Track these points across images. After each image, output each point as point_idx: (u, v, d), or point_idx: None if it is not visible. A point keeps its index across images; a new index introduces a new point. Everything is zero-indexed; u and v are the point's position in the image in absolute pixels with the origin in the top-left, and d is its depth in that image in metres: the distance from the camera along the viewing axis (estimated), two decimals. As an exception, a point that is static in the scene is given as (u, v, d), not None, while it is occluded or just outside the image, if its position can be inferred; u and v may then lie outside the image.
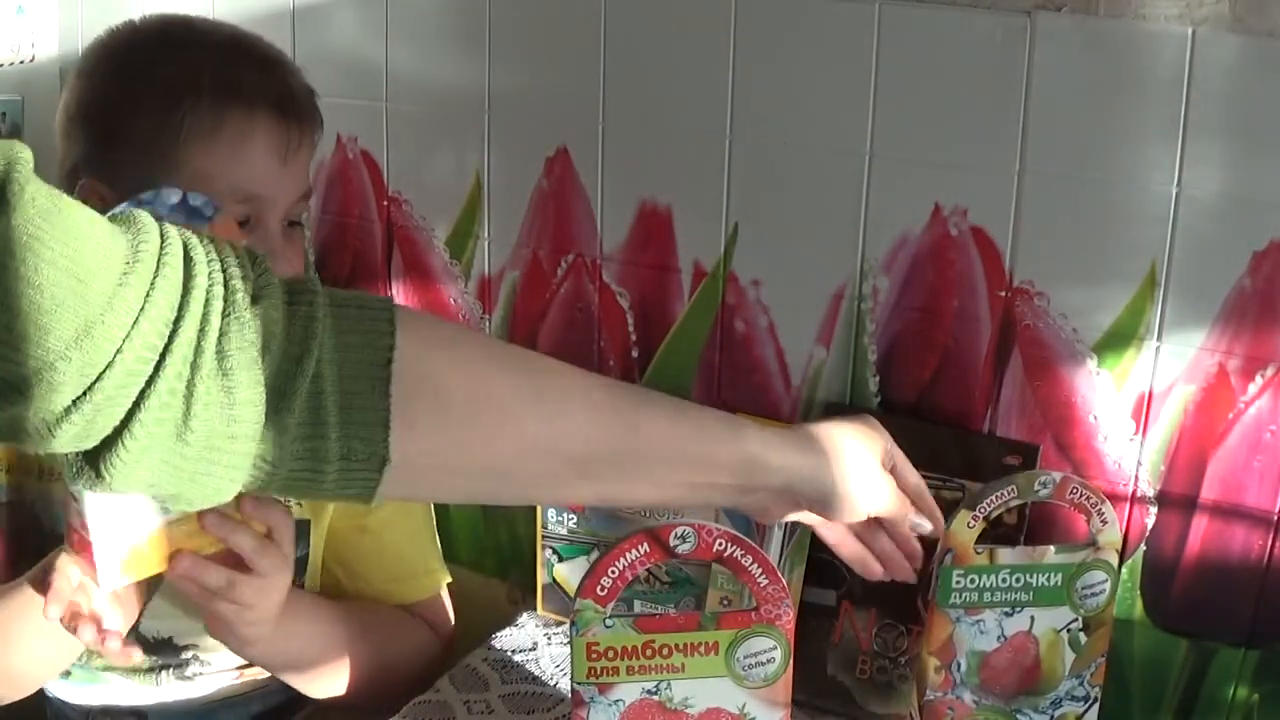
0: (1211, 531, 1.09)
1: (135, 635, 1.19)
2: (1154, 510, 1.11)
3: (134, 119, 1.09)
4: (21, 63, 1.53)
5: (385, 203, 1.41)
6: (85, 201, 1.09)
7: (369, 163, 1.41)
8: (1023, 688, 1.07)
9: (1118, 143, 1.06)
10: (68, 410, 0.63)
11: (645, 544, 0.90)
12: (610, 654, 0.92)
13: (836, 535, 0.98)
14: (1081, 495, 1.05)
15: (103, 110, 1.11)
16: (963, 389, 1.17)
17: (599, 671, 0.92)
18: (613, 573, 0.90)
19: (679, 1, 1.21)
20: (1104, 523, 1.06)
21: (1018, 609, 1.05)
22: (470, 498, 0.86)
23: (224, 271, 0.67)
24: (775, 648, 0.94)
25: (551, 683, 1.22)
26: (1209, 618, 1.11)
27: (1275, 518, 1.06)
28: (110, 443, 0.65)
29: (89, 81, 1.12)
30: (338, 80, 1.35)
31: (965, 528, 1.03)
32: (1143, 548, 1.12)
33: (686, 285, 1.27)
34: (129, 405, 0.64)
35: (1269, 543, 1.07)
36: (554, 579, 1.29)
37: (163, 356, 0.64)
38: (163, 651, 1.19)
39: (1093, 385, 1.11)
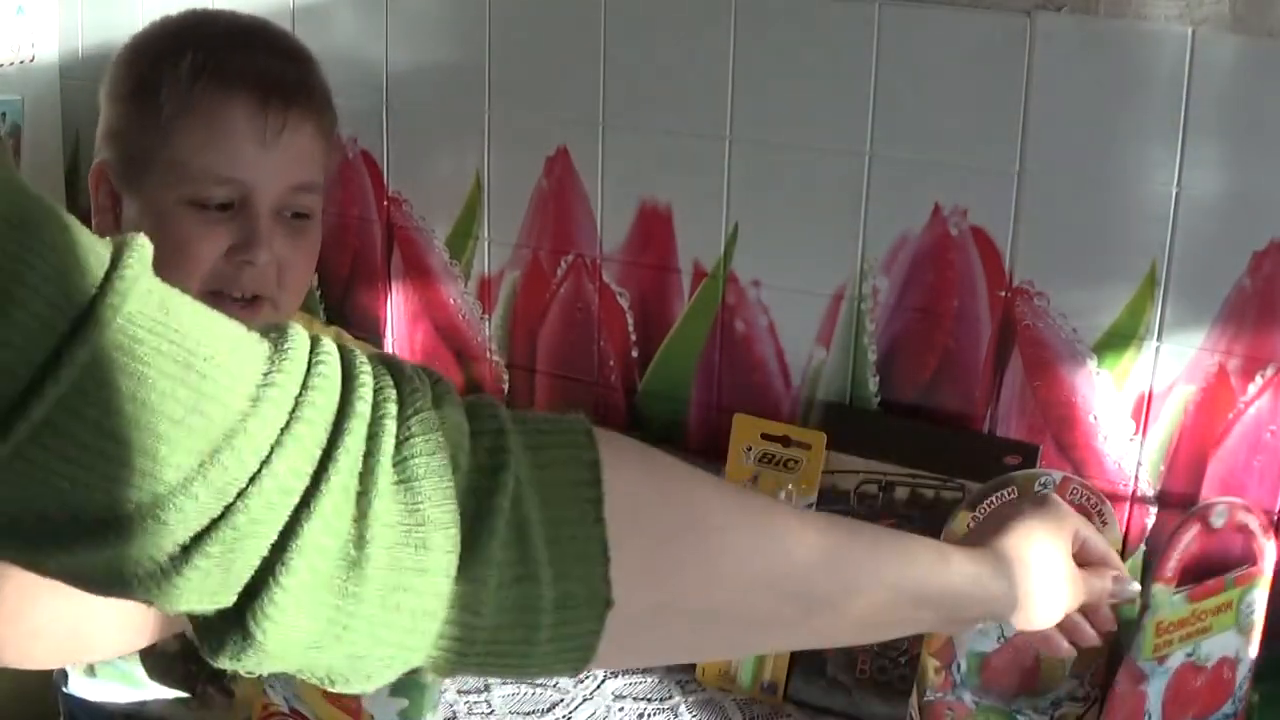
0: (1211, 531, 1.10)
1: (180, 637, 1.17)
2: (1154, 510, 1.11)
3: (131, 102, 1.12)
4: (21, 63, 1.53)
5: (385, 203, 1.41)
6: (97, 184, 1.14)
7: (369, 163, 1.41)
8: (1023, 688, 1.07)
9: (1118, 143, 1.06)
10: (190, 548, 0.49)
11: (1196, 526, 1.00)
12: (1170, 629, 1.00)
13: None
14: (1081, 495, 1.05)
15: (114, 93, 1.15)
16: (963, 389, 1.17)
17: (1160, 646, 1.00)
18: (1177, 557, 0.99)
19: (679, 1, 1.21)
20: (1104, 523, 1.06)
21: (1018, 609, 1.06)
22: (679, 650, 0.70)
23: (392, 374, 0.55)
24: (1262, 596, 1.03)
25: (551, 682, 1.22)
26: (1209, 618, 1.12)
27: (1275, 518, 1.06)
28: (256, 589, 0.50)
29: (113, 68, 1.16)
30: (338, 80, 1.35)
31: (965, 528, 1.03)
32: (1143, 548, 1.12)
33: (686, 285, 1.27)
34: (277, 534, 0.50)
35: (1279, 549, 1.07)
36: (554, 579, 1.29)
37: (324, 467, 0.50)
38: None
39: (1093, 385, 1.11)
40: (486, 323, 1.39)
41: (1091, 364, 1.11)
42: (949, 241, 1.14)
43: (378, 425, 0.52)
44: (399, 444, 0.52)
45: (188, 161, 1.09)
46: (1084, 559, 0.91)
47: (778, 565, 0.66)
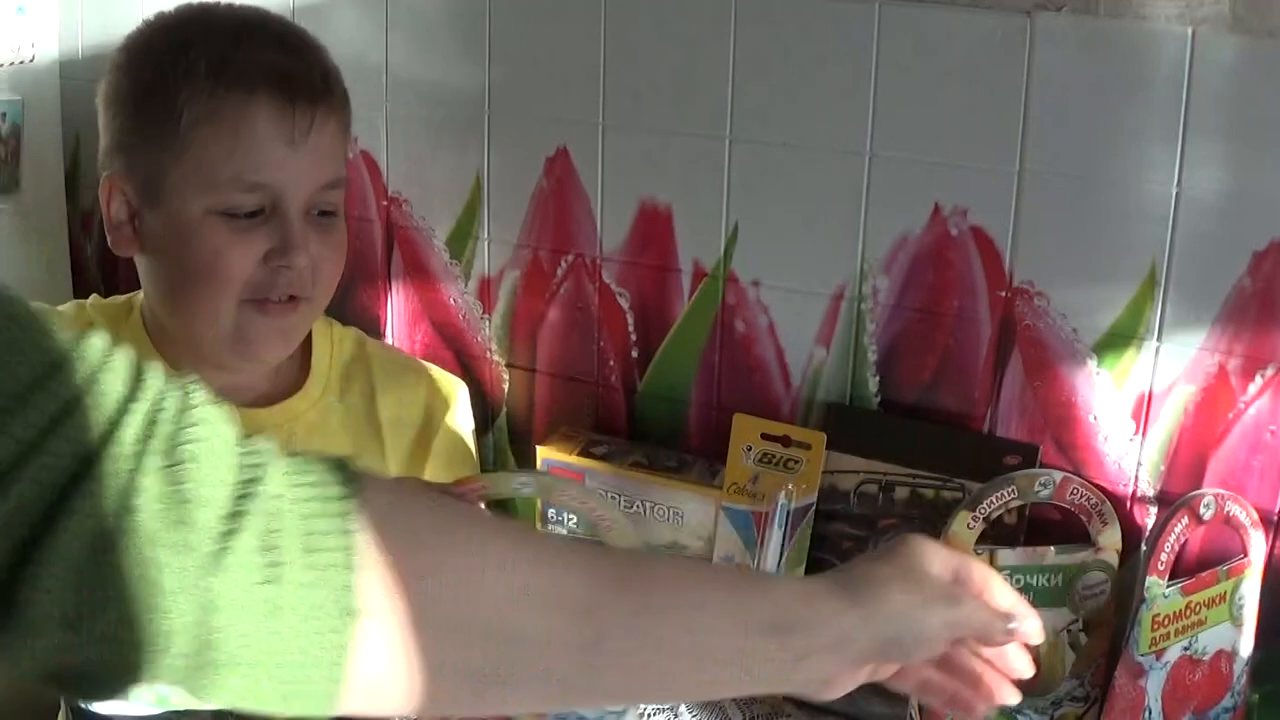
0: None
1: None
2: (1154, 510, 1.11)
3: (141, 110, 1.07)
4: (21, 63, 1.53)
5: (385, 203, 1.41)
6: (109, 199, 1.10)
7: (369, 163, 1.41)
8: (1023, 688, 1.07)
9: (1118, 143, 1.06)
10: None
11: (1185, 517, 1.02)
12: (1166, 621, 1.02)
13: (918, 680, 0.82)
14: (1081, 495, 1.05)
15: (119, 102, 1.09)
16: (963, 389, 1.17)
17: (1157, 640, 1.01)
18: (1169, 549, 1.01)
19: (679, 1, 1.21)
20: (1104, 523, 1.06)
21: (1018, 609, 1.06)
22: (453, 678, 0.64)
23: (183, 387, 0.59)
24: (1253, 588, 1.06)
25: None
26: (1209, 618, 1.12)
27: (1275, 517, 1.06)
28: (23, 560, 0.53)
29: (111, 74, 1.10)
30: (338, 80, 1.35)
31: (965, 528, 1.03)
32: (1143, 548, 1.12)
33: (686, 285, 1.27)
34: (48, 504, 0.53)
35: (1269, 543, 1.07)
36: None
37: (100, 447, 0.54)
38: None
39: (1093, 385, 1.11)
40: (486, 323, 1.39)
41: (1091, 364, 1.11)
42: (949, 241, 1.14)
43: (155, 416, 0.56)
44: (173, 433, 0.56)
45: (214, 170, 1.04)
46: (973, 590, 0.79)
47: (555, 580, 0.64)
